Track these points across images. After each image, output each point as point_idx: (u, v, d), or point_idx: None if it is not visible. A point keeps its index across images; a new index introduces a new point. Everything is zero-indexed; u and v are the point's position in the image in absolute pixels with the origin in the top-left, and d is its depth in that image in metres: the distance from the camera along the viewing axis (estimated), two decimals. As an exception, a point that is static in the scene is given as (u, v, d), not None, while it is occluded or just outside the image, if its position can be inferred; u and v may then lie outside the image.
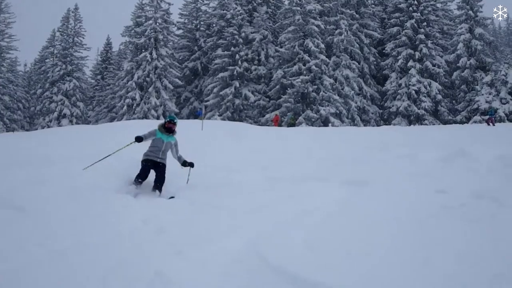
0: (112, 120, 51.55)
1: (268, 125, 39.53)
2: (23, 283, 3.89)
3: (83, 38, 58.10)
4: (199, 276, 4.23)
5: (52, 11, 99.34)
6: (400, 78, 46.99)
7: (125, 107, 46.67)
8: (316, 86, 44.42)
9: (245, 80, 49.81)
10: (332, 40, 47.43)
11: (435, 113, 45.95)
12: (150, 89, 47.23)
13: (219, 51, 51.07)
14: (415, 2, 48.67)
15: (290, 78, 44.95)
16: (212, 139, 16.88)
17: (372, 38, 51.35)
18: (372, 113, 47.89)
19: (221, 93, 48.31)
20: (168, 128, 8.79)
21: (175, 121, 8.95)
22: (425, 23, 47.75)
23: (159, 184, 8.27)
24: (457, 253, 4.25)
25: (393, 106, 46.11)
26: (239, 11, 51.80)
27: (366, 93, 47.92)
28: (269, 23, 53.43)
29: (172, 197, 7.84)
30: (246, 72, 49.75)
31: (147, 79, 47.63)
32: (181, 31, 58.98)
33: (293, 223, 5.63)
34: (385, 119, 47.38)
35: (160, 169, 8.45)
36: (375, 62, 50.79)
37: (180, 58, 56.18)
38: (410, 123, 44.47)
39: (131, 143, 8.92)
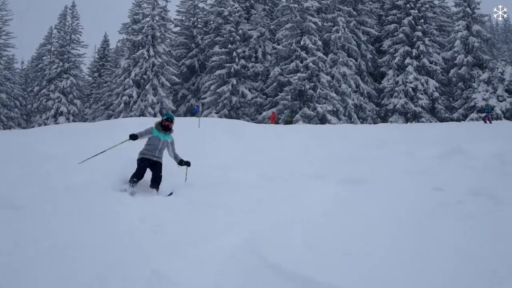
0: (109, 117, 51.43)
1: (265, 123, 39.53)
2: (21, 281, 3.89)
3: (80, 35, 58.18)
4: (197, 274, 4.23)
5: (50, 8, 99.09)
6: (397, 76, 47.00)
7: (122, 105, 46.62)
8: (313, 84, 44.39)
9: (242, 77, 49.78)
10: (330, 37, 47.38)
11: (432, 111, 46.00)
12: (147, 87, 47.17)
13: (216, 49, 51.01)
14: (413, -1, 48.75)
15: (287, 76, 44.92)
16: (209, 136, 16.87)
17: (370, 35, 51.34)
18: (369, 111, 47.89)
19: (218, 90, 48.28)
20: (165, 126, 8.59)
21: (173, 119, 8.80)
22: (422, 20, 47.72)
23: (156, 183, 8.19)
24: (454, 250, 4.26)
25: (390, 103, 46.13)
26: (236, 8, 51.73)
27: (363, 91, 47.93)
28: (267, 20, 53.35)
29: (171, 194, 7.83)
30: (243, 69, 49.72)
31: (144, 76, 47.57)
32: (178, 28, 58.94)
33: (291, 221, 5.61)
34: (382, 117, 47.42)
35: (157, 167, 8.34)
36: (372, 60, 50.79)
37: (177, 55, 56.15)
38: (407, 120, 44.50)
39: (125, 141, 8.81)
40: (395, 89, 46.10)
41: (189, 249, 4.77)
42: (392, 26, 49.28)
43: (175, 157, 8.84)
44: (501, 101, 42.52)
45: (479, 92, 43.26)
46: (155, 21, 49.34)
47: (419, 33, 46.94)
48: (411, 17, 47.92)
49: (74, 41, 57.30)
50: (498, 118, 39.66)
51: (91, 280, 3.99)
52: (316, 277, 3.87)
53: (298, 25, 46.63)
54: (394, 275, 3.89)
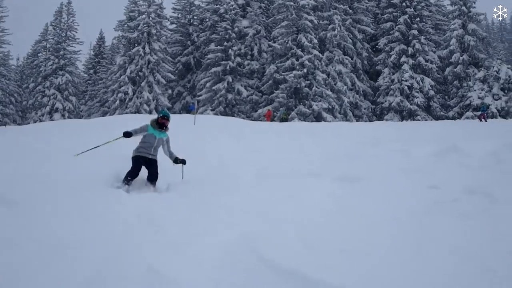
0: (104, 114, 51.38)
1: (261, 120, 39.54)
2: (17, 278, 3.87)
3: (76, 32, 58.01)
4: (195, 272, 4.21)
5: (45, 4, 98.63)
6: (393, 74, 47.11)
7: (117, 102, 46.52)
8: (309, 81, 44.42)
9: (238, 75, 49.75)
10: (325, 35, 47.42)
11: (428, 109, 46.14)
12: (142, 84, 47.08)
13: (212, 46, 50.98)
14: (409, -3, 48.82)
15: (283, 73, 44.95)
16: (204, 133, 16.86)
17: (365, 33, 51.42)
18: (365, 109, 48.00)
19: (213, 87, 48.26)
20: (161, 124, 8.47)
21: (169, 117, 8.67)
22: (418, 19, 47.83)
23: (152, 180, 8.14)
24: (454, 250, 4.27)
25: (385, 101, 46.23)
26: (232, 5, 51.66)
27: (358, 89, 48.03)
28: (263, 18, 53.33)
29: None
30: (239, 67, 49.68)
31: (140, 73, 47.49)
32: (174, 25, 58.87)
33: (288, 219, 5.59)
34: (378, 115, 47.52)
35: (153, 165, 8.28)
36: (368, 58, 50.86)
37: (173, 52, 56.08)
38: (402, 118, 44.62)
39: (119, 138, 8.73)
40: (391, 87, 46.21)
41: (186, 246, 4.76)
42: (388, 24, 49.37)
43: (170, 155, 8.77)
44: (496, 100, 42.70)
45: (475, 90, 43.44)
46: (150, 19, 49.21)
47: (415, 32, 47.04)
48: (407, 15, 48.04)
49: (70, 38, 57.15)
50: (493, 116, 39.87)
51: (88, 276, 3.97)
52: (315, 276, 3.87)
53: (294, 23, 46.63)
54: (394, 274, 3.89)
